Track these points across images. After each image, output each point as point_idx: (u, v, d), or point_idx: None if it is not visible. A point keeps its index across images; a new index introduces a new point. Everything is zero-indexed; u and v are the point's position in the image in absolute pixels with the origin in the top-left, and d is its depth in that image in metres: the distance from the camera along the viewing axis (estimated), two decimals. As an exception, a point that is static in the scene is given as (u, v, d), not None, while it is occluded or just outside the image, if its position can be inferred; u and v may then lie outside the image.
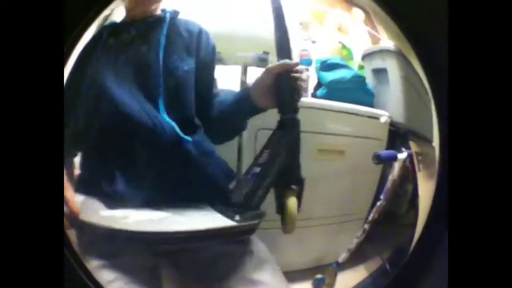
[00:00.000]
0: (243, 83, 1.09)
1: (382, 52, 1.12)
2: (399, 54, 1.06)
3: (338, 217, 1.24)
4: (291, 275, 1.04)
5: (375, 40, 1.10)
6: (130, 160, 0.92)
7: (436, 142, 0.97)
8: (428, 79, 0.94)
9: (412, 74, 1.01)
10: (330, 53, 1.23)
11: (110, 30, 0.97)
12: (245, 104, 0.98)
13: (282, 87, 0.95)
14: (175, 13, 1.01)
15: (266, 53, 1.14)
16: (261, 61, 1.14)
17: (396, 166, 1.09)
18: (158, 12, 1.01)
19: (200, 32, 1.01)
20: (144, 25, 0.98)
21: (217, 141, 1.01)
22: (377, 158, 1.08)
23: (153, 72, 0.93)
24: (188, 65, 0.97)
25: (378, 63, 1.06)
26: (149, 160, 0.92)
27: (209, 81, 1.00)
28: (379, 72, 1.15)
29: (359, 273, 1.12)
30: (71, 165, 0.93)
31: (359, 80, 1.14)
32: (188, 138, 0.92)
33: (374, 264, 1.11)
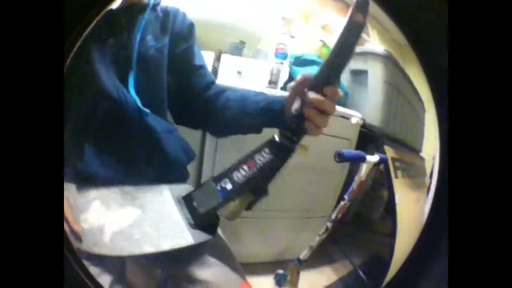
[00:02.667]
0: (214, 69, 1.07)
1: (366, 54, 1.08)
2: (388, 59, 1.03)
3: (299, 212, 1.22)
4: (253, 267, 1.01)
5: (361, 42, 1.06)
6: (98, 133, 0.90)
7: (432, 151, 0.95)
8: (428, 83, 0.91)
9: (402, 82, 0.96)
10: (309, 50, 1.22)
11: (107, 16, 0.90)
12: (276, 118, 0.88)
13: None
14: (157, 1, 0.99)
15: (242, 42, 1.13)
16: (236, 49, 1.13)
17: (364, 168, 1.06)
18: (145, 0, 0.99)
19: (177, 11, 0.99)
20: (131, 11, 0.95)
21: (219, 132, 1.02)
22: (339, 157, 1.02)
23: (128, 52, 0.91)
24: (161, 42, 0.95)
25: (358, 64, 1.02)
26: (114, 132, 0.91)
27: (189, 53, 0.98)
28: (359, 74, 1.12)
29: (325, 275, 1.09)
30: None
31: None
32: (147, 110, 0.90)
33: (343, 268, 1.09)
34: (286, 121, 0.81)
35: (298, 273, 1.09)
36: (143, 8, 0.95)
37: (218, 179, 0.84)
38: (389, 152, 1.05)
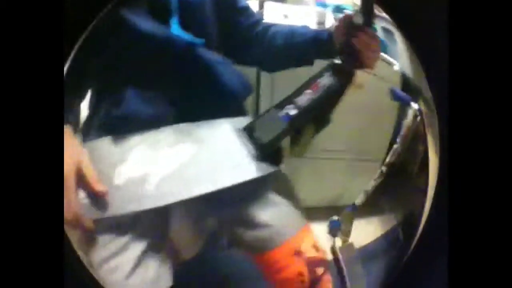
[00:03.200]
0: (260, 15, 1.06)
1: (387, 19, 1.04)
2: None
3: (355, 154, 1.23)
4: (308, 212, 0.96)
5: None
6: (141, 76, 0.85)
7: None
8: (428, 84, 0.90)
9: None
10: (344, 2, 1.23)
11: None
12: (325, 47, 0.92)
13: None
14: None
15: None
16: None
17: (410, 114, 1.06)
18: None
19: None
20: None
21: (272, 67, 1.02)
22: (393, 93, 1.06)
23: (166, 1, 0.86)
24: None
25: (386, 24, 1.01)
26: (163, 70, 0.86)
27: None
28: (388, 32, 1.08)
29: (373, 226, 1.11)
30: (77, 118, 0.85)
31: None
32: (201, 40, 0.85)
33: (388, 222, 1.10)
34: (335, 51, 0.86)
35: (352, 221, 1.10)
36: None
37: (280, 105, 0.83)
38: (422, 105, 1.02)
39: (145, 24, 0.83)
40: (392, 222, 1.09)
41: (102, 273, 0.78)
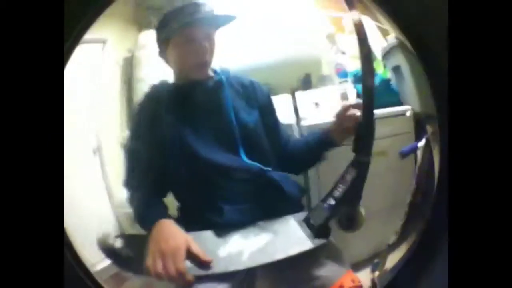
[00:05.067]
0: (295, 108, 1.19)
1: (393, 48, 1.18)
2: (402, 47, 1.15)
3: (389, 207, 1.28)
4: (356, 265, 1.18)
5: (385, 33, 1.16)
6: (229, 195, 1.09)
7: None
8: (428, 83, 1.04)
9: (414, 62, 1.12)
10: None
11: (169, 89, 1.10)
12: (328, 146, 1.16)
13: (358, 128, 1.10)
14: (228, 73, 1.11)
15: (308, 75, 1.23)
16: (306, 83, 1.23)
17: (419, 154, 1.20)
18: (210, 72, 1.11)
19: (252, 83, 1.15)
20: (207, 87, 1.10)
21: (298, 171, 1.20)
22: (401, 155, 1.21)
23: (229, 129, 1.08)
24: (254, 117, 1.13)
25: (393, 61, 1.17)
26: (245, 192, 1.10)
27: (274, 123, 1.17)
28: (396, 70, 1.21)
29: (401, 251, 1.18)
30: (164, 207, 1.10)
31: (385, 84, 1.22)
32: (269, 168, 1.09)
33: (411, 240, 1.17)
34: (336, 142, 1.13)
35: (386, 256, 1.21)
36: (218, 85, 1.11)
37: (324, 199, 1.10)
38: (429, 128, 1.19)
39: (220, 157, 1.08)
40: (413, 239, 1.17)
41: None
